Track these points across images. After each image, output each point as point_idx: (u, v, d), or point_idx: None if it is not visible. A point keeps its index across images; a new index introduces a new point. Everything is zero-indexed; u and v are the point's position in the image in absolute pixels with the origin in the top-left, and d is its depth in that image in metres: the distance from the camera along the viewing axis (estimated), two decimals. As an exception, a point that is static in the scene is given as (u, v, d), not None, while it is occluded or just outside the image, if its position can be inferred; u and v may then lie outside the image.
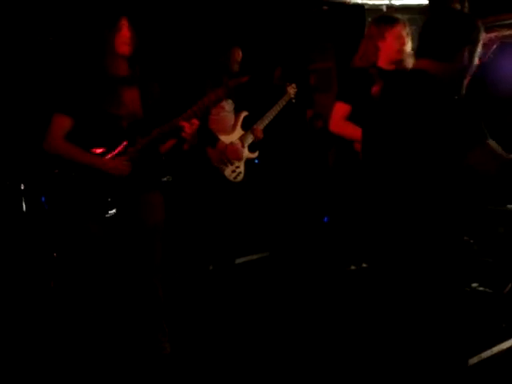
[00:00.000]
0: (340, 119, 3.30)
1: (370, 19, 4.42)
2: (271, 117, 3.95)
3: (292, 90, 4.10)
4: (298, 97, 4.17)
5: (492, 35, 3.61)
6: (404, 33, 3.24)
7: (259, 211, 3.95)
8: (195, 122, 2.73)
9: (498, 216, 4.00)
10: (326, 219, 5.17)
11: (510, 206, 3.86)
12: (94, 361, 2.87)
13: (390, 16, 3.38)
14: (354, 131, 3.28)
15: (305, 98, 5.10)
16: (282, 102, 4.02)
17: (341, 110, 3.31)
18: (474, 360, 2.76)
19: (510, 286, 3.52)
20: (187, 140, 2.76)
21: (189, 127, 2.71)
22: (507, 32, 3.53)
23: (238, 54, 3.78)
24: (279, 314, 3.58)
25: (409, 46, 3.30)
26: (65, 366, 2.90)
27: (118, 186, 2.74)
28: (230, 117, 3.82)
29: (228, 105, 3.77)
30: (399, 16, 4.54)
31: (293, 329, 3.34)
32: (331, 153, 5.17)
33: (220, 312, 3.57)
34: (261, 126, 3.90)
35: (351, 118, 3.32)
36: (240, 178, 3.78)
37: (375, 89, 3.25)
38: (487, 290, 3.54)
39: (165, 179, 4.73)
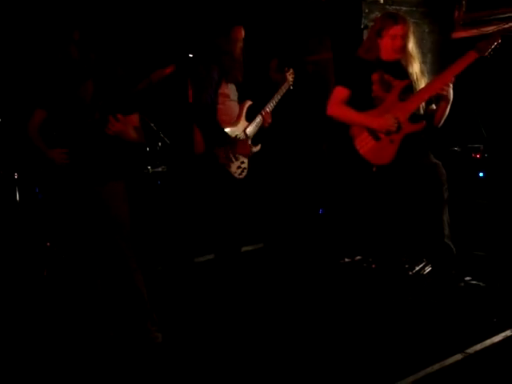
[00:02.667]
0: (338, 103, 3.31)
1: (366, 10, 4.41)
2: (274, 103, 3.79)
3: (291, 77, 3.95)
4: (294, 87, 4.05)
5: (490, 29, 3.61)
6: (402, 33, 3.25)
7: (254, 203, 3.92)
8: (120, 117, 2.70)
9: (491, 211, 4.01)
10: (320, 211, 5.17)
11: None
12: (86, 353, 2.89)
13: (393, 14, 3.35)
14: (351, 115, 3.29)
15: (302, 89, 5.07)
16: (283, 90, 3.87)
17: (340, 93, 3.32)
18: (466, 353, 2.77)
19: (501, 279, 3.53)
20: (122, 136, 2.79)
21: (113, 123, 2.69)
22: (506, 26, 3.51)
23: (240, 34, 3.59)
24: (273, 305, 3.58)
25: (409, 45, 3.29)
26: (56, 358, 2.89)
27: (69, 178, 2.83)
28: (235, 105, 3.65)
29: (233, 92, 3.62)
30: (396, 8, 4.55)
31: (286, 320, 3.35)
32: (325, 145, 5.16)
33: (214, 303, 3.56)
34: (268, 110, 3.73)
35: (349, 102, 3.31)
36: (244, 174, 3.61)
37: (375, 77, 3.28)
38: (480, 283, 3.55)
39: (159, 169, 4.74)
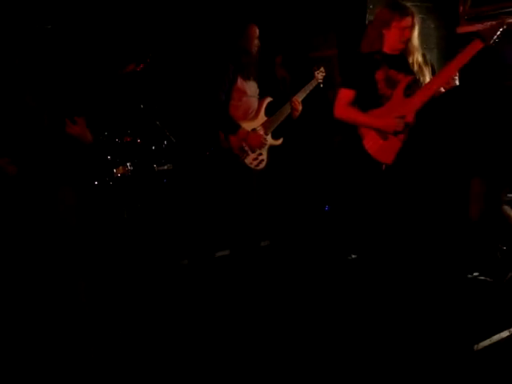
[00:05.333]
0: (344, 105, 3.30)
1: (371, 6, 4.39)
2: (304, 95, 3.91)
3: (320, 75, 4.05)
4: (300, 82, 4.11)
5: (495, 22, 3.57)
6: (410, 25, 3.21)
7: (261, 199, 3.91)
8: (77, 120, 2.72)
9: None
10: (326, 208, 5.16)
11: (509, 196, 3.85)
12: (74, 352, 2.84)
13: (403, 6, 3.29)
14: (357, 117, 3.29)
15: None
16: (309, 87, 3.98)
17: (345, 96, 3.31)
18: (474, 348, 2.76)
19: (510, 274, 3.52)
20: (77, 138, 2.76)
21: (70, 125, 2.69)
22: (510, 20, 3.48)
23: (255, 32, 3.73)
24: (279, 302, 3.59)
25: (414, 38, 3.25)
26: (50, 360, 2.83)
27: (17, 184, 2.71)
28: (253, 101, 3.78)
29: (251, 89, 3.74)
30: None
31: (293, 317, 3.35)
32: (336, 141, 5.15)
33: (219, 300, 3.57)
34: (299, 98, 3.85)
35: (356, 102, 3.30)
36: (262, 165, 3.75)
37: (379, 74, 3.25)
38: (488, 279, 3.54)
39: (165, 167, 4.73)
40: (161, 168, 4.65)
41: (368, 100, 3.27)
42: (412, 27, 3.23)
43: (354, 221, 4.43)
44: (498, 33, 3.08)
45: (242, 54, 3.67)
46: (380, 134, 3.26)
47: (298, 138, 5.28)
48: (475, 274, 3.58)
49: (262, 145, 3.73)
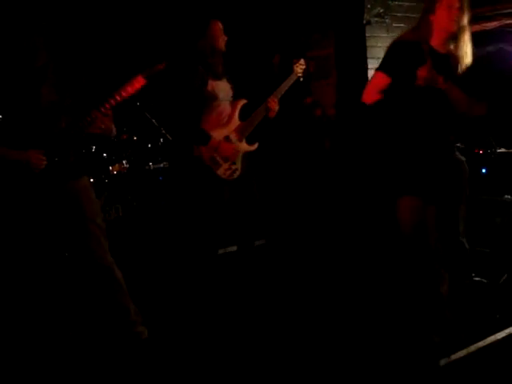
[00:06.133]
0: (376, 92, 2.95)
1: (368, 6, 4.39)
2: (281, 93, 3.68)
3: (299, 68, 3.82)
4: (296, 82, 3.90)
5: (493, 24, 3.57)
6: (456, 4, 2.81)
7: (256, 199, 3.89)
8: (109, 113, 2.70)
9: (495, 206, 3.99)
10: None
11: (506, 197, 3.86)
12: (73, 353, 2.89)
13: None
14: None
15: (303, 85, 5.05)
16: (288, 83, 3.74)
17: (379, 81, 2.97)
18: (469, 350, 2.76)
19: (505, 276, 3.52)
20: (100, 133, 2.75)
21: (101, 119, 2.68)
22: (508, 21, 3.49)
23: (218, 27, 3.50)
24: (275, 301, 3.58)
25: (464, 20, 2.85)
26: (38, 354, 2.87)
27: (39, 177, 2.72)
28: (225, 106, 3.57)
29: (223, 91, 3.55)
30: (399, 3, 4.52)
31: (286, 316, 3.34)
32: (327, 141, 5.15)
33: (211, 300, 3.55)
34: (275, 98, 3.62)
35: (387, 91, 3.01)
36: (236, 174, 3.55)
37: (422, 71, 2.81)
38: (483, 280, 3.54)
39: (161, 165, 4.73)
40: (156, 166, 4.65)
41: (399, 92, 2.94)
42: (461, 10, 2.83)
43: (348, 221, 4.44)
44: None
45: (208, 53, 3.48)
46: None
47: (290, 139, 5.29)
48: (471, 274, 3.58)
49: (234, 155, 3.53)
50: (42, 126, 2.72)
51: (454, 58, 2.89)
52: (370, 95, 2.99)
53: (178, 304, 3.55)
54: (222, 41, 3.51)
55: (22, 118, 2.71)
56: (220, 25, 3.53)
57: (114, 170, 4.51)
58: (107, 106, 2.68)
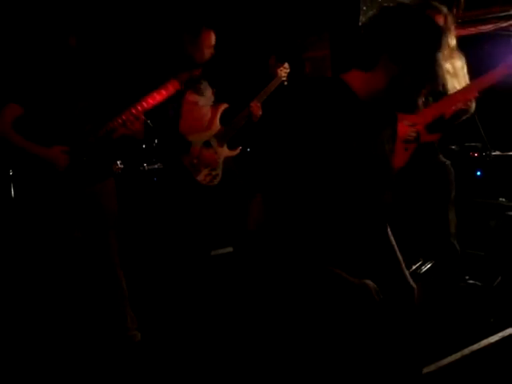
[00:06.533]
0: None
1: (364, 8, 4.38)
2: (264, 97, 3.63)
3: (283, 72, 3.79)
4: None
5: (488, 27, 3.57)
6: (441, 24, 2.93)
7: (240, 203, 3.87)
8: (140, 116, 2.70)
9: (490, 209, 3.99)
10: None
11: (501, 200, 3.86)
12: (66, 353, 2.88)
13: (433, 5, 3.06)
14: None
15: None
16: (271, 87, 3.70)
17: None
18: (463, 353, 2.75)
19: (499, 279, 3.52)
20: (130, 134, 2.75)
21: (132, 122, 2.67)
22: (503, 24, 3.49)
23: (209, 39, 3.41)
24: (268, 304, 3.57)
25: (451, 42, 3.05)
26: (34, 360, 2.87)
27: (67, 177, 2.75)
28: (205, 111, 3.52)
29: (202, 99, 3.50)
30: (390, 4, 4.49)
31: (282, 317, 3.33)
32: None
33: (203, 302, 3.54)
34: (257, 102, 3.57)
35: None
36: (217, 180, 3.50)
37: None
38: (477, 283, 3.54)
39: (156, 166, 4.71)
40: (151, 167, 4.63)
41: None
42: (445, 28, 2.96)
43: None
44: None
45: (191, 66, 3.40)
46: None
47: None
48: (465, 277, 3.58)
49: (215, 161, 3.49)
50: (70, 124, 2.74)
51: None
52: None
53: (171, 306, 3.53)
54: (208, 53, 3.43)
55: (52, 115, 2.73)
56: (213, 37, 3.44)
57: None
58: (139, 108, 2.65)
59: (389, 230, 2.03)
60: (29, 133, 2.73)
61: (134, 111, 2.66)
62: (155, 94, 2.65)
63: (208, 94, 3.53)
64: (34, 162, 2.72)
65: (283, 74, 3.79)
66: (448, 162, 3.29)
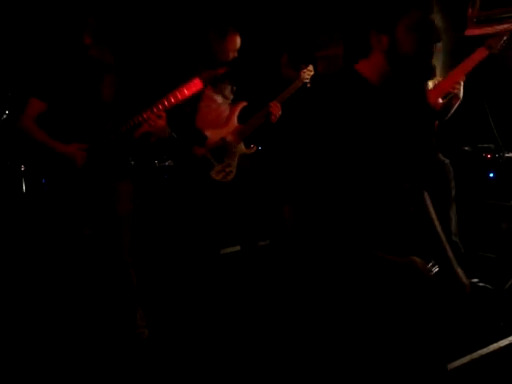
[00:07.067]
0: None
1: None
2: (285, 98, 3.61)
3: (306, 74, 3.76)
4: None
5: (505, 26, 3.55)
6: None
7: (258, 200, 3.86)
8: (162, 114, 2.66)
9: (502, 211, 3.95)
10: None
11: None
12: (73, 349, 2.90)
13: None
14: None
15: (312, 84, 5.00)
16: (292, 88, 3.68)
17: None
18: (472, 357, 2.73)
19: (510, 282, 3.48)
20: (153, 133, 2.72)
21: (154, 120, 2.66)
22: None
23: (235, 42, 3.42)
24: (275, 302, 3.56)
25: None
26: (42, 355, 2.89)
27: (84, 174, 2.76)
28: (224, 109, 3.52)
29: (221, 97, 3.50)
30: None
31: (288, 317, 3.32)
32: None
33: (212, 300, 3.54)
34: (278, 103, 3.55)
35: None
36: (230, 177, 3.47)
37: None
38: (488, 286, 3.50)
39: (166, 163, 4.72)
40: (162, 164, 4.64)
41: None
42: None
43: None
44: (503, 41, 3.08)
45: (214, 65, 3.36)
46: None
47: (294, 140, 5.24)
48: (474, 280, 3.54)
49: (229, 158, 3.47)
50: (91, 122, 2.76)
51: None
52: None
53: (179, 303, 3.54)
54: (232, 56, 3.44)
55: (73, 112, 2.75)
56: (238, 40, 3.43)
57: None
58: (160, 106, 2.65)
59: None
60: (51, 129, 2.76)
61: (155, 109, 2.65)
62: (177, 93, 2.64)
63: (227, 91, 3.52)
64: (53, 158, 2.75)
65: (306, 76, 3.76)
66: (447, 161, 3.34)
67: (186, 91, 2.62)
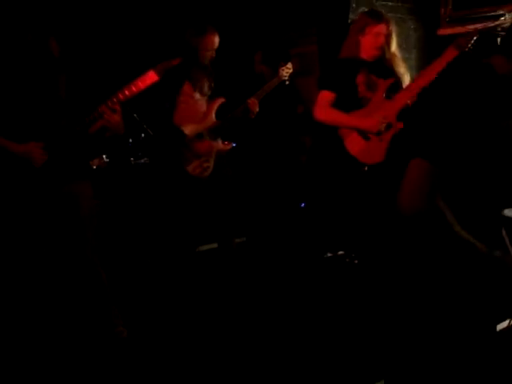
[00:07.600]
0: (325, 106, 3.31)
1: (354, 5, 4.38)
2: (263, 95, 3.68)
3: (285, 71, 3.82)
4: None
5: (476, 26, 3.63)
6: (385, 32, 3.29)
7: (235, 196, 3.87)
8: (117, 108, 2.63)
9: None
10: (302, 205, 5.16)
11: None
12: (53, 350, 2.87)
13: (377, 12, 3.39)
14: (339, 118, 3.31)
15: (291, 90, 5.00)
16: (270, 86, 3.74)
17: (325, 98, 3.33)
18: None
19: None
20: (108, 128, 2.68)
21: (109, 114, 2.62)
22: (491, 24, 3.53)
23: (212, 41, 3.43)
24: (255, 301, 3.58)
25: (393, 46, 3.32)
26: (18, 357, 2.84)
27: (40, 176, 2.69)
28: (201, 104, 3.53)
29: (199, 93, 3.52)
30: (382, 3, 4.53)
31: (269, 317, 3.34)
32: (308, 138, 5.14)
33: (189, 297, 3.54)
34: (255, 99, 3.61)
35: (335, 105, 3.33)
36: (207, 173, 3.51)
37: (360, 78, 3.27)
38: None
39: (142, 161, 4.68)
40: (137, 161, 4.60)
41: (348, 102, 3.31)
42: (387, 35, 3.30)
43: (330, 218, 4.44)
44: (473, 40, 3.15)
45: (193, 65, 3.42)
46: (362, 135, 3.28)
47: (271, 136, 5.26)
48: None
49: (206, 153, 3.49)
50: (46, 120, 2.69)
51: (387, 61, 3.34)
52: (321, 112, 3.32)
53: (157, 302, 3.53)
54: (208, 55, 3.46)
55: (27, 111, 2.67)
56: (216, 39, 3.44)
57: (93, 164, 4.45)
58: (115, 100, 2.61)
59: None
60: (3, 130, 2.67)
61: (109, 103, 2.61)
62: (132, 86, 2.60)
63: (205, 88, 3.54)
64: (11, 159, 2.66)
65: (284, 74, 3.82)
66: None
67: (140, 84, 2.59)
